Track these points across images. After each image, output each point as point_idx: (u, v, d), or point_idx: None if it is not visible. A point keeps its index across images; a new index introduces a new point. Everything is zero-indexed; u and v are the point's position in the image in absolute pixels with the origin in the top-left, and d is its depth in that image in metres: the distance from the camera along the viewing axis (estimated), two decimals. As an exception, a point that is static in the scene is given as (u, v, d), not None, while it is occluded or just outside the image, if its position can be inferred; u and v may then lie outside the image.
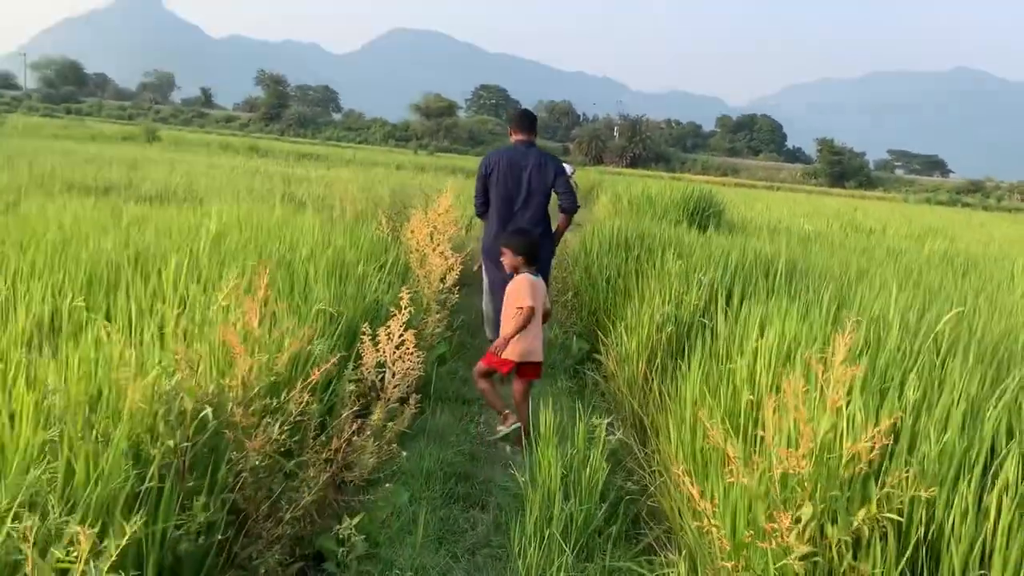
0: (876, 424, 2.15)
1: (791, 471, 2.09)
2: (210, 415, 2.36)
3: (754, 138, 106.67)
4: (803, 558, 2.04)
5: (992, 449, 2.31)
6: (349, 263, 4.95)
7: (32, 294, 3.55)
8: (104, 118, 64.21)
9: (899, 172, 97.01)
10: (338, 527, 2.63)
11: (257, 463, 2.42)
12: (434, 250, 5.70)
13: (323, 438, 2.65)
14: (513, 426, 3.98)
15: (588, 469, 3.02)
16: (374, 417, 2.78)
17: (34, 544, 1.63)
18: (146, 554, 2.06)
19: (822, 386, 2.23)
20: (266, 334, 2.85)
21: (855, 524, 2.05)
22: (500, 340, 3.89)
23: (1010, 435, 2.40)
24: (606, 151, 73.53)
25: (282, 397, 2.60)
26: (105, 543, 1.76)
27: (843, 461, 2.21)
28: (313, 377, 2.58)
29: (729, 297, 4.48)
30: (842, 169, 72.10)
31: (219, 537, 2.27)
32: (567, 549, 2.77)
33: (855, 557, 2.09)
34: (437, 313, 5.12)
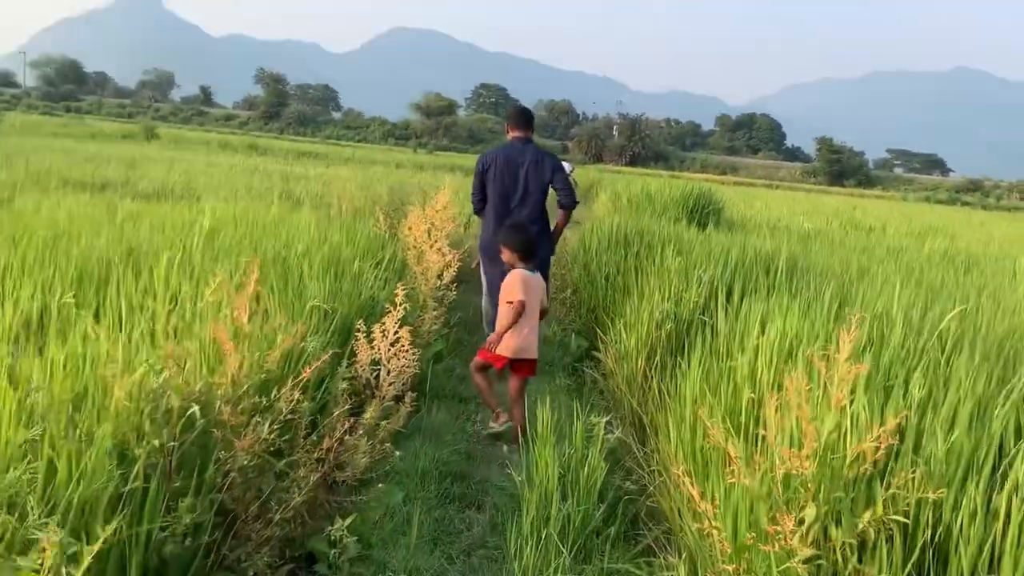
0: (881, 423, 2.10)
1: (794, 471, 2.03)
2: (197, 413, 2.30)
3: (753, 137, 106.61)
4: (807, 561, 1.98)
5: (1000, 448, 2.25)
6: (345, 259, 4.89)
7: (20, 290, 3.49)
8: (104, 116, 64.12)
9: (898, 171, 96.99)
10: (330, 528, 2.57)
11: (246, 463, 2.36)
12: (431, 247, 5.64)
13: (314, 437, 2.58)
14: (504, 425, 3.95)
15: (586, 469, 2.96)
16: (367, 416, 2.72)
17: (6, 545, 1.57)
18: (129, 556, 2.00)
19: (825, 384, 2.17)
20: (257, 331, 2.79)
21: (860, 526, 1.99)
22: (493, 335, 3.84)
23: (1019, 434, 2.35)
24: (605, 150, 73.45)
25: (272, 395, 2.54)
26: (73, 549, 1.69)
27: (847, 461, 2.15)
28: (304, 375, 2.52)
29: (729, 294, 4.42)
30: (841, 168, 72.03)
31: (206, 539, 2.21)
32: (564, 550, 2.71)
33: (860, 560, 2.03)
34: (434, 310, 5.06)
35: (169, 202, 7.57)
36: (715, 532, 2.22)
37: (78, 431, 2.18)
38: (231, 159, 18.73)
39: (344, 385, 2.74)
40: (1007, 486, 2.01)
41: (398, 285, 3.51)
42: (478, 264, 5.31)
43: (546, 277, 5.00)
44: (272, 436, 2.33)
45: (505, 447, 3.94)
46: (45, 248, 4.18)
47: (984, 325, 3.63)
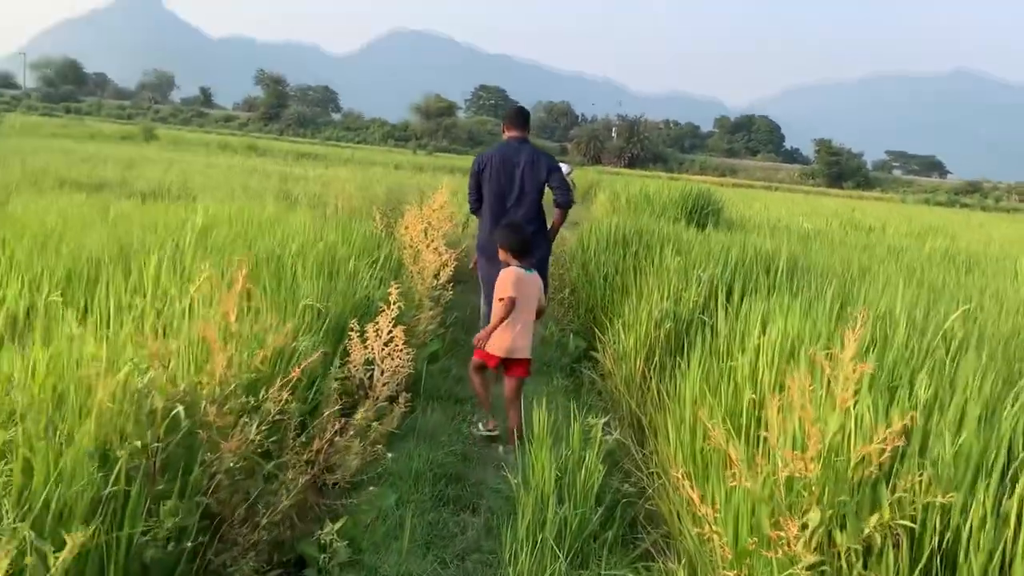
0: (887, 424, 2.03)
1: (797, 474, 1.96)
2: (182, 414, 2.23)
3: (752, 139, 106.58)
4: (810, 567, 1.91)
5: (1010, 451, 2.18)
6: (340, 258, 4.82)
7: (7, 289, 3.43)
8: (103, 117, 63.98)
9: (897, 173, 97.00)
10: (320, 532, 2.50)
11: (232, 465, 2.29)
12: (428, 246, 5.58)
13: (303, 439, 2.51)
14: (491, 432, 3.91)
15: (583, 471, 2.89)
16: (357, 416, 2.65)
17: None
18: (107, 561, 1.93)
19: (830, 383, 2.10)
20: (246, 329, 2.72)
21: (866, 531, 1.92)
22: (482, 332, 3.77)
23: (1028, 436, 2.28)
24: (604, 151, 73.40)
25: (261, 395, 2.47)
26: (28, 561, 1.62)
27: (852, 464, 2.08)
28: (293, 374, 2.45)
29: (729, 294, 4.36)
30: (840, 170, 72.00)
31: (190, 544, 2.14)
32: (561, 555, 2.64)
33: (866, 566, 1.97)
34: (430, 310, 5.00)
35: (165, 202, 7.50)
36: (716, 537, 2.16)
37: (58, 432, 2.12)
38: (230, 160, 18.67)
39: (336, 385, 2.67)
40: (1018, 490, 1.94)
41: (392, 284, 3.44)
42: (475, 264, 5.25)
43: (544, 277, 4.94)
44: (259, 437, 2.26)
45: (501, 448, 3.87)
46: (34, 247, 4.11)
47: (989, 325, 3.56)
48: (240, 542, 2.32)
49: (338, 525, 2.46)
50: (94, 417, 2.15)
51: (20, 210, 5.71)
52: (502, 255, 3.99)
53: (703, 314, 4.21)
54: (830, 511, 2.00)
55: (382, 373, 3.32)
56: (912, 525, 1.96)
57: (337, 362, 3.28)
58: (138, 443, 2.11)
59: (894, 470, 2.14)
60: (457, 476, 3.48)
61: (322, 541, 2.50)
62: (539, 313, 4.06)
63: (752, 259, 5.20)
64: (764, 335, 3.19)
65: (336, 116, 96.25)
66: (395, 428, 3.29)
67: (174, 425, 2.24)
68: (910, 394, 2.50)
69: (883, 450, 1.99)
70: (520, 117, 5.13)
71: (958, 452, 2.10)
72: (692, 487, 2.21)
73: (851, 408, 2.13)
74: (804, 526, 1.98)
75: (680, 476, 2.36)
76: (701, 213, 10.31)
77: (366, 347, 3.34)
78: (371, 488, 2.70)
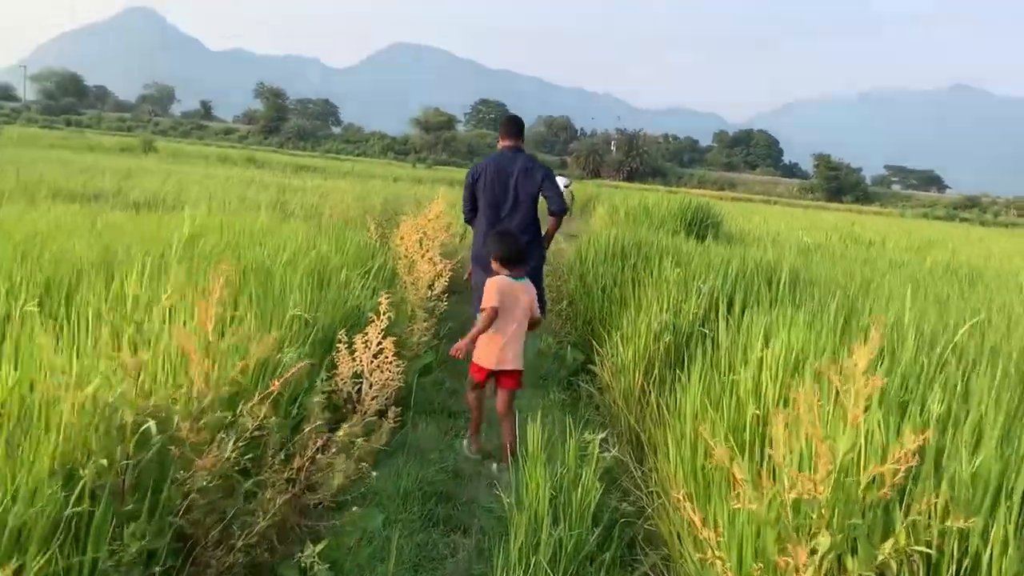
0: (900, 442, 1.91)
1: (806, 496, 1.83)
2: (153, 429, 2.10)
3: (751, 153, 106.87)
4: (821, 596, 1.78)
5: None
6: (332, 268, 4.71)
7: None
8: (103, 130, 64.07)
9: (896, 187, 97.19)
10: (300, 554, 2.36)
11: (206, 483, 2.16)
12: (423, 256, 5.47)
13: (282, 455, 2.39)
14: (474, 456, 3.78)
15: (580, 490, 2.76)
16: (341, 433, 2.52)
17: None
18: (64, 589, 1.80)
19: (839, 398, 1.98)
20: (227, 339, 2.60)
21: (880, 558, 1.80)
22: (460, 343, 3.62)
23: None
24: (604, 165, 73.55)
25: (239, 410, 2.35)
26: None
27: (863, 484, 1.96)
28: (272, 388, 2.33)
29: (730, 306, 4.24)
30: (839, 184, 72.13)
31: (159, 568, 2.01)
32: (555, 579, 2.51)
33: (879, 595, 1.84)
34: (424, 321, 4.88)
35: (159, 212, 7.40)
36: (719, 563, 2.03)
37: (20, 449, 1.99)
38: (228, 172, 18.59)
39: (317, 399, 2.54)
40: (1041, 513, 1.82)
41: (382, 293, 3.32)
42: (470, 274, 5.14)
43: (539, 285, 4.82)
44: (234, 455, 2.13)
45: (495, 465, 3.74)
46: (16, 256, 4.00)
47: (999, 339, 3.44)
48: (214, 565, 2.19)
49: (319, 547, 2.33)
50: (58, 432, 2.03)
51: (9, 219, 5.60)
52: (493, 264, 3.87)
53: (703, 327, 4.09)
54: (840, 535, 1.88)
55: (371, 386, 3.20)
56: (929, 551, 1.84)
57: (324, 375, 3.16)
58: (104, 460, 1.98)
59: (907, 491, 2.02)
60: (448, 495, 3.34)
61: (303, 564, 2.36)
62: (534, 324, 3.93)
63: (752, 271, 5.09)
64: (767, 348, 3.07)
65: (336, 129, 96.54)
66: (383, 444, 3.15)
67: (145, 441, 2.12)
68: (922, 410, 2.38)
69: (897, 470, 1.87)
70: (512, 126, 5.05)
71: (976, 472, 1.98)
72: (694, 510, 2.08)
73: (861, 425, 2.01)
74: (813, 551, 1.86)
75: (681, 498, 2.23)
76: (700, 226, 10.22)
77: (354, 359, 3.22)
78: (354, 508, 2.57)
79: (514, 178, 4.81)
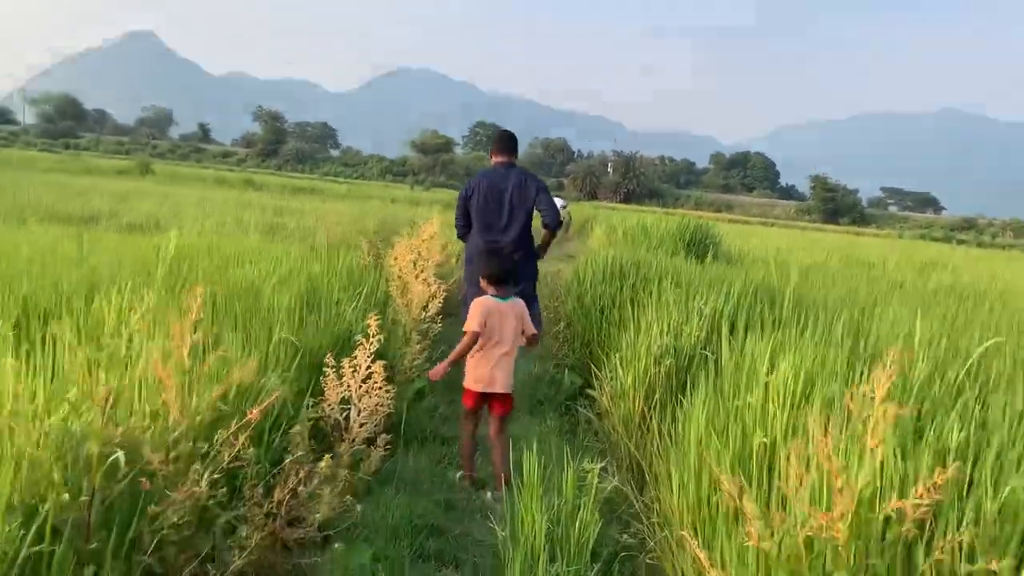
0: (920, 475, 1.78)
1: (823, 535, 1.70)
2: (121, 460, 1.97)
3: (747, 175, 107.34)
4: (841, 645, 1.64)
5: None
6: (322, 290, 4.59)
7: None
8: (102, 153, 64.16)
9: (892, 209, 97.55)
10: (280, 595, 2.21)
11: (179, 519, 2.02)
12: (417, 277, 5.35)
13: (261, 488, 2.24)
14: (467, 488, 3.64)
15: (578, 523, 2.62)
16: (322, 464, 2.38)
17: None
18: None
19: (856, 428, 1.85)
20: (206, 363, 2.47)
21: (904, 602, 1.66)
22: (438, 367, 3.49)
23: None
24: (600, 187, 73.76)
25: (216, 439, 2.21)
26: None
27: (881, 520, 1.83)
28: (251, 415, 2.19)
29: (732, 328, 4.11)
30: (835, 206, 72.34)
31: (123, 613, 1.87)
32: (552, 619, 2.36)
33: (904, 642, 1.70)
34: (417, 343, 4.75)
35: (152, 235, 7.29)
36: (728, 605, 1.88)
37: (-25, 483, 1.85)
38: (226, 194, 18.54)
39: (297, 428, 2.40)
40: (1076, 552, 1.68)
41: (371, 315, 3.19)
42: (464, 296, 5.03)
43: (531, 302, 4.68)
44: (207, 487, 1.99)
45: (489, 494, 3.58)
46: (-4, 278, 3.87)
47: (1015, 364, 3.31)
48: (186, 608, 2.04)
49: (300, 587, 2.18)
50: (18, 464, 1.90)
51: (-5, 241, 5.48)
52: (481, 283, 3.74)
53: (705, 349, 3.96)
54: (859, 576, 1.74)
55: (359, 412, 3.06)
56: (956, 594, 1.70)
57: (310, 401, 3.02)
58: (65, 495, 1.84)
59: (927, 527, 1.88)
60: (439, 527, 3.18)
61: (282, 605, 2.21)
62: (532, 341, 3.77)
63: (754, 292, 4.97)
64: (773, 372, 2.94)
65: (335, 152, 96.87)
66: (371, 474, 3.01)
67: (113, 473, 1.98)
68: (939, 438, 2.25)
69: (919, 505, 1.73)
70: (505, 142, 4.98)
71: (1003, 507, 1.84)
72: (699, 547, 1.94)
73: (879, 456, 1.88)
74: (830, 594, 1.72)
75: (686, 535, 2.09)
76: (699, 246, 10.12)
77: (342, 384, 3.09)
78: (336, 545, 2.42)
79: (508, 193, 4.74)
